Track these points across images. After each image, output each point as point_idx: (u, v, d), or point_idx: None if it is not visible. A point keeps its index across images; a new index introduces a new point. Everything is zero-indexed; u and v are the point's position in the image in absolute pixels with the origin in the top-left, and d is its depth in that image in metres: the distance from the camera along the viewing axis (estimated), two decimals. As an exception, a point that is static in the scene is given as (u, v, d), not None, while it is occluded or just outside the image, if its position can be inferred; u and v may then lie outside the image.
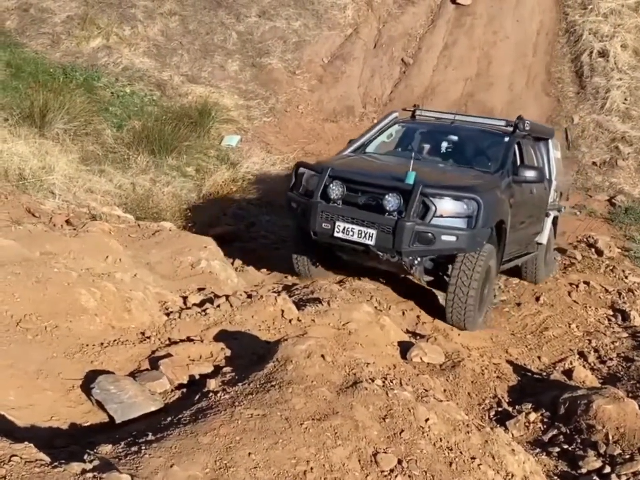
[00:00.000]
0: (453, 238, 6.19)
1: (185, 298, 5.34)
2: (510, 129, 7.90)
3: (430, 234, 6.15)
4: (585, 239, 11.04)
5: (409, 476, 2.82)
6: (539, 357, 6.33)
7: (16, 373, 3.34)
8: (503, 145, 7.60)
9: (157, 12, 14.82)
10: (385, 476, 2.80)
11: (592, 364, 6.30)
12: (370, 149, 8.01)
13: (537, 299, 8.18)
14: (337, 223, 6.38)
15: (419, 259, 6.54)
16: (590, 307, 8.11)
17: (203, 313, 4.84)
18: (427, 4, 17.00)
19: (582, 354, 6.53)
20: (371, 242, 6.26)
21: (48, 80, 11.04)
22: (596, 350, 6.70)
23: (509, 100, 14.80)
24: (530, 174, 7.26)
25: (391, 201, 6.22)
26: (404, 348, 5.52)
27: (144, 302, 4.62)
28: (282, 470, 2.65)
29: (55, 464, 2.32)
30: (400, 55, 16.02)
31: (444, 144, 7.85)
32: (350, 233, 6.32)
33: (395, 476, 2.81)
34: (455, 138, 7.90)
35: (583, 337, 7.09)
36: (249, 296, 5.49)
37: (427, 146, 8.01)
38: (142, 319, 4.45)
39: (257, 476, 2.59)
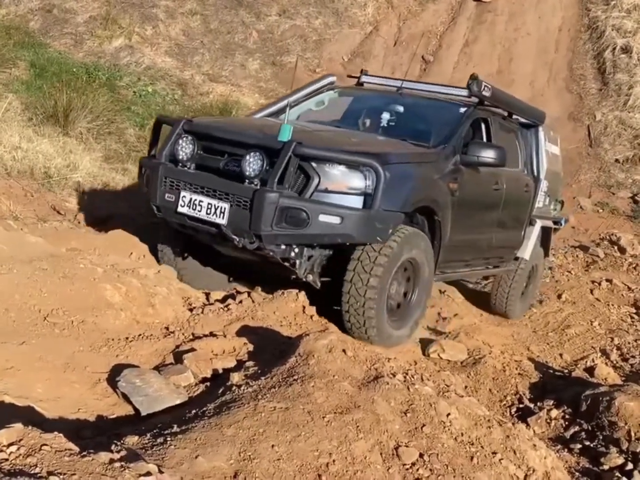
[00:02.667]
0: (336, 220, 4.44)
1: (207, 294, 5.40)
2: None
3: (302, 212, 4.40)
4: (607, 237, 10.97)
5: (431, 470, 2.84)
6: (560, 355, 6.31)
7: (44, 366, 3.42)
8: (456, 117, 5.89)
9: (179, 12, 14.95)
10: (407, 469, 2.82)
11: (615, 362, 6.27)
12: (290, 116, 5.99)
13: (559, 296, 8.16)
14: (182, 193, 4.72)
15: (296, 249, 4.70)
16: (612, 304, 8.07)
17: (225, 309, 4.90)
18: (447, 1, 16.98)
19: (604, 352, 6.49)
20: (222, 221, 4.55)
21: (71, 79, 11.14)
22: (619, 348, 6.66)
23: (530, 97, 14.66)
24: (484, 153, 5.43)
25: (252, 163, 4.51)
26: (425, 345, 5.55)
27: (168, 297, 4.69)
28: (305, 462, 2.69)
29: (84, 453, 2.37)
30: (420, 52, 16.00)
31: (386, 116, 6.09)
32: (198, 208, 4.65)
33: (417, 469, 2.83)
34: (400, 108, 6.19)
35: (605, 334, 7.05)
36: (271, 292, 5.54)
37: (366, 118, 6.31)
38: (166, 314, 4.52)
39: (280, 467, 2.63)
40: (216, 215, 4.58)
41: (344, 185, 4.57)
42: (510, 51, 15.99)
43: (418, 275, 5.12)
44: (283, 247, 4.66)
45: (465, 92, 6.21)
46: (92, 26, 13.91)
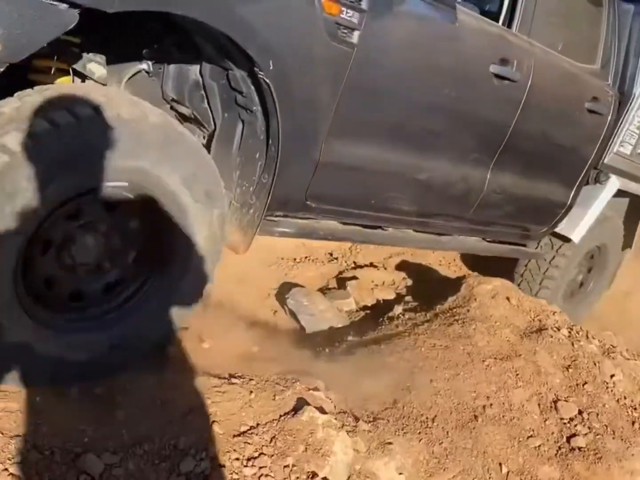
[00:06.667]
0: None
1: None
2: None
3: None
4: None
5: (589, 427, 2.79)
6: None
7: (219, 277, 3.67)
8: None
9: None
10: (565, 424, 2.79)
11: None
12: None
13: None
14: None
15: None
16: None
17: (387, 242, 4.97)
18: None
19: None
20: None
21: None
22: None
23: None
24: None
25: None
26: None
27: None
28: (462, 401, 2.73)
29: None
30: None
31: None
32: None
33: (575, 425, 2.79)
34: None
35: None
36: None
37: None
38: (330, 240, 4.66)
39: (437, 402, 2.69)
40: None
41: None
42: None
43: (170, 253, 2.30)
44: None
45: None
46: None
